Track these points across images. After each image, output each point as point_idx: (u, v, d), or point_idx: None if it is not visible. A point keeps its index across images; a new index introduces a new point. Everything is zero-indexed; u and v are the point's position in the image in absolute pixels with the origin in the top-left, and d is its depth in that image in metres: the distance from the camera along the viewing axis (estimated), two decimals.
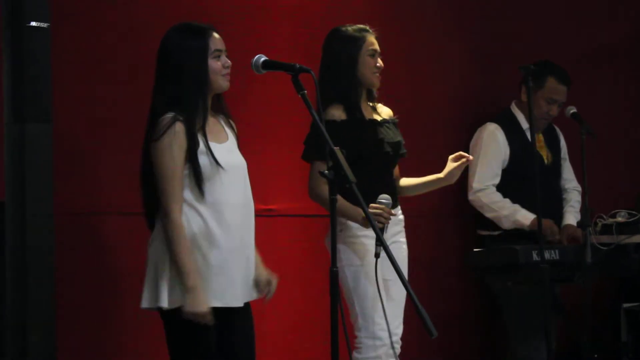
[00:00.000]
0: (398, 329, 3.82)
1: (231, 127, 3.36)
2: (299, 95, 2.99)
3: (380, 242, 3.19)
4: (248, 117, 4.35)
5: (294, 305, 4.47)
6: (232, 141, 3.33)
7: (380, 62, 3.83)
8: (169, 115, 3.16)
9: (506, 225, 4.72)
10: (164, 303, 3.13)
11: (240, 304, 3.23)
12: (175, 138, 3.13)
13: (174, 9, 4.01)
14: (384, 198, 3.61)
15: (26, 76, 3.18)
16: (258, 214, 4.38)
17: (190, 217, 3.16)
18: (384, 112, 3.93)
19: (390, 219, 3.60)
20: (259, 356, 4.36)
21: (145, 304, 3.19)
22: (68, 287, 3.55)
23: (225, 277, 3.18)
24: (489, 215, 4.76)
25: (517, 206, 4.69)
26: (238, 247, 3.23)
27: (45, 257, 3.19)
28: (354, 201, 2.97)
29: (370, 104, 3.89)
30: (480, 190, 4.75)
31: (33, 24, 3.15)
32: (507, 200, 4.72)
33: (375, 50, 3.83)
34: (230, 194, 3.21)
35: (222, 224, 3.18)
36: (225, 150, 3.24)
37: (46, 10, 3.19)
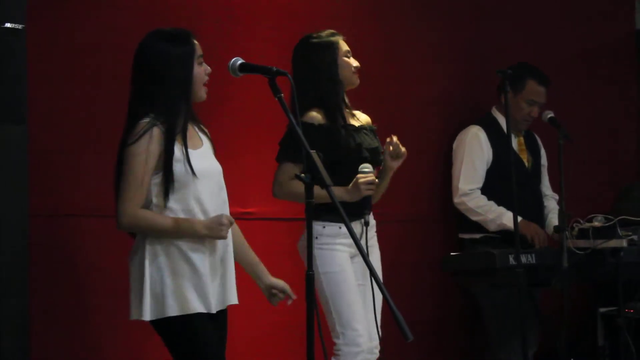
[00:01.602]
0: (375, 334, 3.82)
1: (205, 133, 3.35)
2: (276, 99, 2.99)
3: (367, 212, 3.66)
4: (226, 120, 4.34)
5: (271, 308, 4.46)
6: (207, 146, 3.31)
7: (356, 62, 3.86)
8: (147, 119, 3.13)
9: (492, 228, 4.75)
10: (147, 316, 3.10)
11: (213, 311, 3.21)
12: (151, 144, 3.11)
13: (151, 11, 3.99)
14: (366, 167, 3.68)
15: (1, 77, 3.15)
16: (236, 217, 4.38)
17: None
18: (362, 118, 3.95)
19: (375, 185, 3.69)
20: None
21: (147, 316, 3.13)
22: (43, 289, 3.52)
23: (200, 283, 3.17)
24: (474, 218, 4.78)
25: (502, 209, 4.70)
26: (213, 254, 3.22)
27: (19, 258, 3.17)
28: (331, 204, 2.98)
29: (347, 110, 3.90)
30: (466, 194, 4.77)
31: (8, 25, 3.13)
32: (493, 204, 4.74)
33: (348, 51, 3.88)
34: (205, 201, 3.20)
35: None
36: (200, 156, 3.23)
37: (22, 12, 3.16)
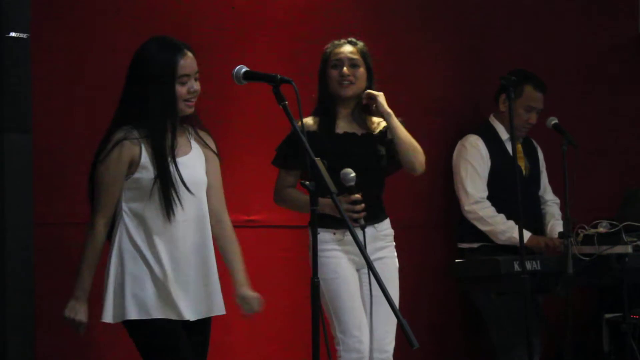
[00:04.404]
0: (389, 346, 3.79)
1: (199, 139, 3.34)
2: (280, 106, 2.99)
3: (364, 225, 3.54)
4: (230, 128, 4.34)
5: (277, 316, 4.46)
6: (195, 154, 3.30)
7: (345, 71, 3.81)
8: (121, 133, 3.18)
9: (501, 239, 4.74)
10: (133, 315, 3.14)
11: (193, 318, 3.23)
12: (119, 160, 3.17)
13: (156, 21, 4.00)
14: (348, 173, 3.57)
15: (5, 86, 3.15)
16: (241, 225, 4.40)
17: (139, 229, 3.19)
18: (377, 124, 3.91)
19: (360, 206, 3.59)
20: None
21: (108, 318, 3.19)
22: (47, 295, 3.52)
23: (181, 291, 3.19)
24: (484, 228, 4.76)
25: (512, 222, 4.70)
26: (192, 262, 3.23)
27: (25, 266, 3.17)
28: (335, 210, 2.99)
29: (365, 117, 3.88)
30: (477, 202, 4.76)
31: (12, 34, 3.13)
32: (502, 216, 4.74)
33: (339, 60, 3.83)
34: (185, 210, 3.20)
35: (176, 239, 3.19)
36: (182, 165, 3.23)
37: (26, 21, 3.16)
